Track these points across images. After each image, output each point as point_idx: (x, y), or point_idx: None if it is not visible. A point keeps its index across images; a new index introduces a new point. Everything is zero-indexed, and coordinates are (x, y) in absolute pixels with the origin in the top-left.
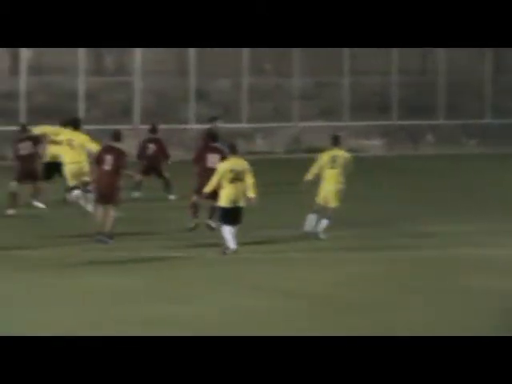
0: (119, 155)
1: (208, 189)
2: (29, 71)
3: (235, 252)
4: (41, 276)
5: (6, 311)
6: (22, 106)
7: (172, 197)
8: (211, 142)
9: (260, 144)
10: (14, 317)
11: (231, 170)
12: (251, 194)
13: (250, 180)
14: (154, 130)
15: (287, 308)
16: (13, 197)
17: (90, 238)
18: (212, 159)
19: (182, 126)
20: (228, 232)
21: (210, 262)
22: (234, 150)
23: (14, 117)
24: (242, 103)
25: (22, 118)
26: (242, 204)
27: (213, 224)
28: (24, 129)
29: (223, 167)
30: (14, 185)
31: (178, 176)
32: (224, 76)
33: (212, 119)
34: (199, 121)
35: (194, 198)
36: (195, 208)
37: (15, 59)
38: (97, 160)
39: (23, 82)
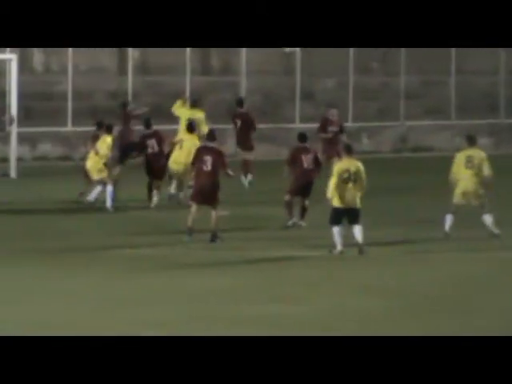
0: (218, 155)
1: (330, 192)
2: (135, 71)
3: (341, 252)
4: (142, 276)
5: (109, 310)
6: (130, 105)
7: (249, 177)
8: (301, 142)
9: (366, 143)
10: (113, 316)
11: (346, 171)
12: (361, 193)
13: (362, 182)
14: (240, 103)
15: (387, 308)
16: (150, 189)
17: (195, 237)
18: (307, 160)
19: (288, 126)
20: (336, 233)
21: (317, 262)
22: (349, 151)
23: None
24: (348, 102)
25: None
26: (357, 205)
27: (303, 223)
28: (148, 124)
29: (339, 168)
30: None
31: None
32: (330, 75)
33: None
34: (304, 120)
35: (288, 197)
36: (290, 207)
37: (123, 59)
38: (195, 161)
39: (130, 82)
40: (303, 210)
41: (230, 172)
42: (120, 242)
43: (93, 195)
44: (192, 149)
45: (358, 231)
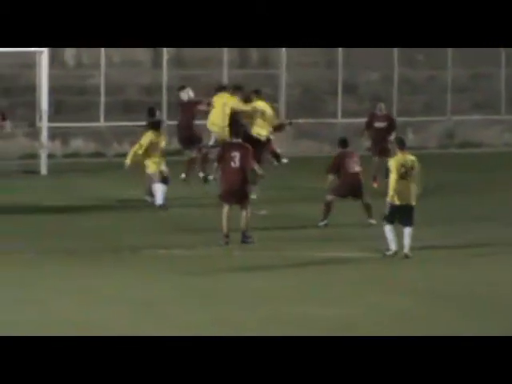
0: (246, 150)
1: (392, 190)
2: (170, 64)
3: (395, 253)
4: (173, 277)
5: (134, 312)
6: (164, 99)
7: (285, 160)
8: (343, 148)
9: (411, 138)
10: (137, 318)
11: (402, 165)
12: (417, 190)
13: (418, 176)
14: (258, 92)
15: (432, 309)
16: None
17: (232, 237)
18: (352, 164)
19: (329, 121)
20: (389, 231)
21: (359, 264)
22: (402, 145)
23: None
24: (393, 96)
25: (164, 112)
26: (412, 202)
27: (372, 221)
28: (182, 88)
29: (395, 163)
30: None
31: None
32: (373, 68)
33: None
34: (346, 115)
35: (330, 197)
36: (328, 208)
37: (157, 51)
38: (222, 158)
39: (165, 75)
40: (368, 209)
41: (258, 169)
42: (154, 242)
43: (157, 198)
44: (223, 107)
45: (407, 236)
